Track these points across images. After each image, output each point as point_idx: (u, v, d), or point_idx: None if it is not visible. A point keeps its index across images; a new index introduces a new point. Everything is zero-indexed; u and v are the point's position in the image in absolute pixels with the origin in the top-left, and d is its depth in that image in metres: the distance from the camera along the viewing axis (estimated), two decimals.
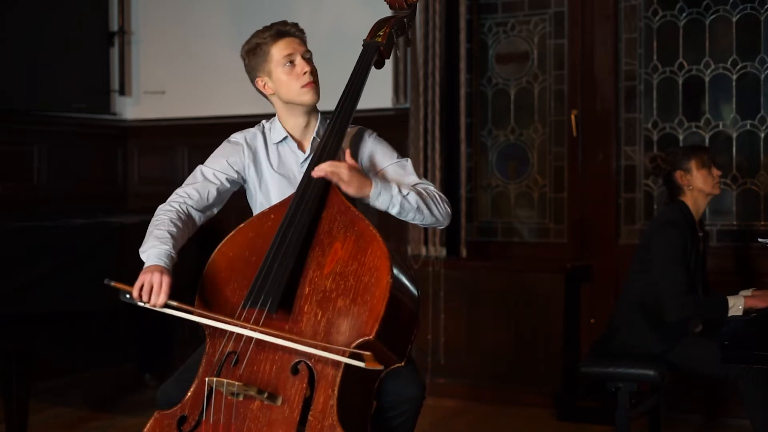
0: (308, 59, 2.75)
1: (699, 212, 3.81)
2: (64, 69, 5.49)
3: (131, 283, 2.47)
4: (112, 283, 2.46)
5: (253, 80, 2.81)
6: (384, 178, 2.69)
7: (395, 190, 2.59)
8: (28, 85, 5.31)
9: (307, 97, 2.74)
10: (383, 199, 2.58)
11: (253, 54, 2.76)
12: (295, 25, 2.78)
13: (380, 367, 2.32)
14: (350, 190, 2.54)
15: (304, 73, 2.72)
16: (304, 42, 2.77)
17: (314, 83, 2.74)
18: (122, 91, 5.85)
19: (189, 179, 2.79)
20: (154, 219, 2.65)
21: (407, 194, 2.60)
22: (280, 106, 2.81)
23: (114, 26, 5.82)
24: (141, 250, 2.57)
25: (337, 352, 2.32)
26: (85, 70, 5.67)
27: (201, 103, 5.69)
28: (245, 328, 2.41)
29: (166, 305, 2.45)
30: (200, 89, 5.71)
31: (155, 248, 2.53)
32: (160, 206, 2.71)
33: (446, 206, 2.70)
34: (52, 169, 5.46)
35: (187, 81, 5.76)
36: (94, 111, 5.73)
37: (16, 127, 5.32)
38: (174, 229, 2.59)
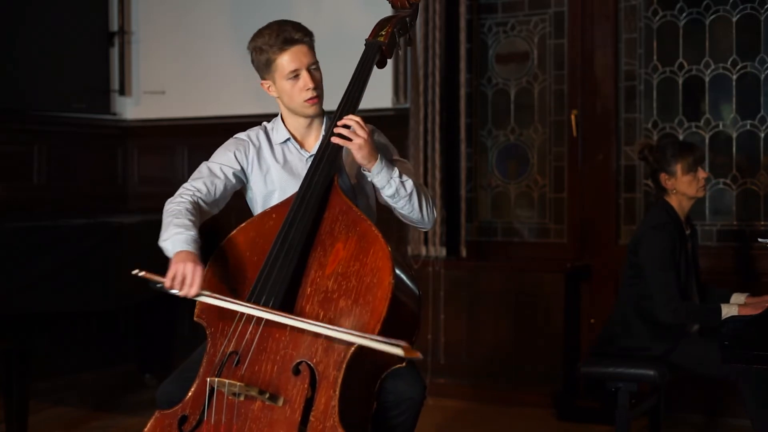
0: (314, 70, 2.74)
1: (684, 212, 3.79)
2: (64, 69, 5.48)
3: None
4: (141, 274, 2.42)
5: (260, 77, 2.82)
6: None
7: (396, 172, 2.63)
8: (28, 85, 5.31)
9: (309, 110, 2.77)
10: (382, 177, 2.61)
11: (258, 58, 2.75)
12: (302, 29, 2.74)
13: (418, 356, 2.30)
14: (360, 154, 2.56)
15: (308, 88, 2.71)
16: (311, 48, 2.74)
17: (318, 97, 2.75)
18: (122, 91, 5.85)
19: (194, 175, 2.77)
20: (167, 212, 2.61)
21: (405, 180, 2.64)
22: (284, 107, 2.83)
23: (114, 26, 5.81)
24: (162, 239, 2.54)
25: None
26: (85, 70, 5.66)
27: (201, 103, 5.68)
28: (276, 314, 2.37)
29: (198, 295, 2.44)
30: (200, 89, 5.71)
31: (180, 234, 2.51)
32: (169, 200, 2.67)
33: (434, 211, 2.76)
34: (52, 169, 5.46)
35: (187, 81, 5.76)
36: (94, 111, 5.72)
37: (16, 127, 5.31)
38: (192, 218, 2.58)
